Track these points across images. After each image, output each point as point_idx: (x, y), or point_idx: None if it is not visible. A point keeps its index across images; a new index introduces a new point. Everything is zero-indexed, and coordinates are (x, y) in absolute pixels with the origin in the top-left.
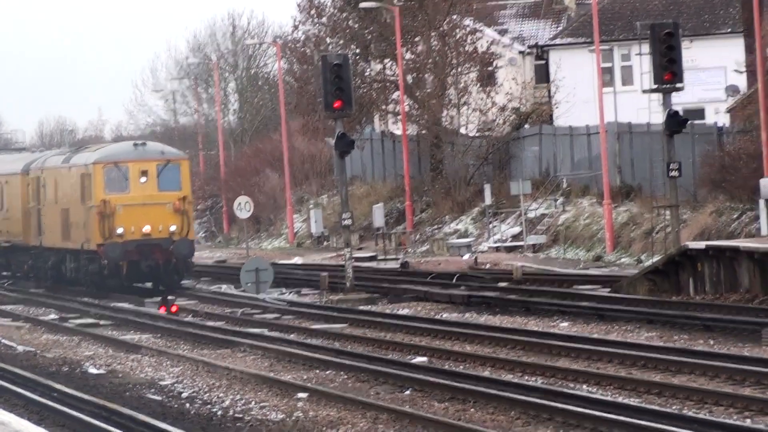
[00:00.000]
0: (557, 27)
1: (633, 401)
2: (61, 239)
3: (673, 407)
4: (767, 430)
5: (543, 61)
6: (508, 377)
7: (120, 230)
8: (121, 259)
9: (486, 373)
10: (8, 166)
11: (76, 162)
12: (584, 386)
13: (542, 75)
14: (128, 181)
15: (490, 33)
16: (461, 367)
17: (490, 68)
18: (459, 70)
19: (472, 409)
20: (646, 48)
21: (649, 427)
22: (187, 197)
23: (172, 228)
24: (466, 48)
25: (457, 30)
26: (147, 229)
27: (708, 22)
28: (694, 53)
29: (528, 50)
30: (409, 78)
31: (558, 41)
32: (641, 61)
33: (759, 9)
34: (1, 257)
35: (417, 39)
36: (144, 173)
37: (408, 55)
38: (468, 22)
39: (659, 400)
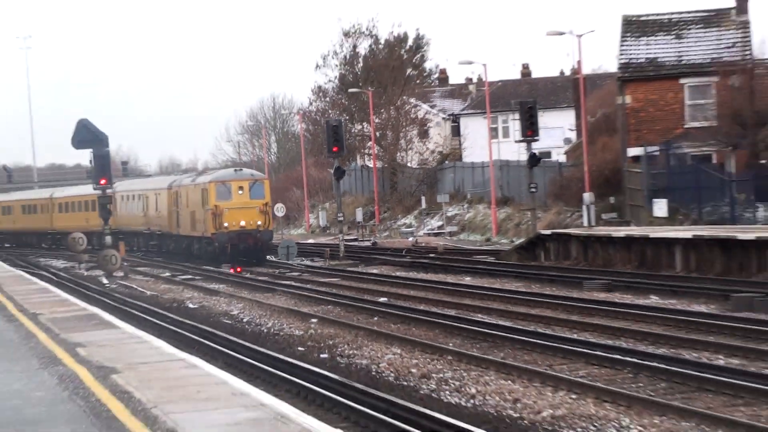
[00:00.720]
0: (465, 103)
1: (509, 324)
2: (190, 230)
3: (532, 327)
4: (576, 339)
5: (456, 124)
6: (434, 310)
7: (226, 224)
8: (227, 242)
9: (421, 307)
10: (160, 184)
11: (199, 181)
12: (479, 315)
13: (456, 132)
14: (231, 193)
15: (425, 107)
16: (407, 304)
17: (425, 128)
18: (407, 129)
19: (413, 328)
20: (517, 116)
21: (518, 338)
22: (268, 203)
23: (259, 223)
24: (411, 116)
25: (406, 105)
26: (243, 223)
27: (554, 100)
28: (546, 119)
29: (447, 117)
30: (378, 133)
31: (465, 112)
32: (514, 124)
33: (583, 93)
34: (156, 240)
35: (382, 111)
36: (241, 188)
37: (377, 120)
38: (412, 100)
39: (523, 323)
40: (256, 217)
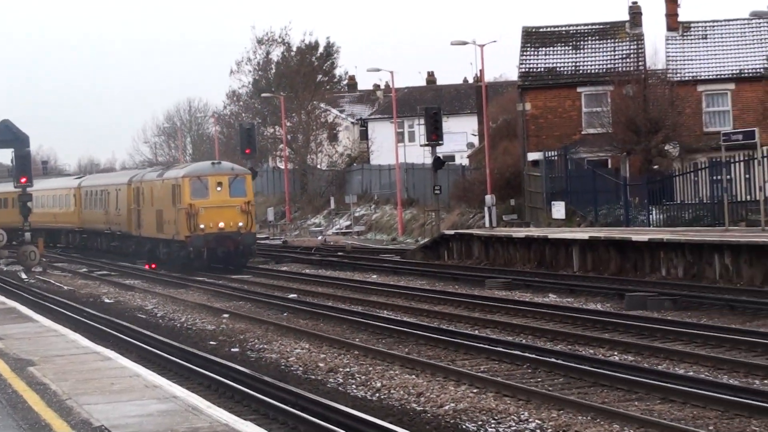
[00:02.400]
0: (373, 108)
1: (413, 320)
2: (156, 231)
3: (435, 324)
4: (478, 335)
5: (364, 128)
6: (342, 306)
7: (202, 226)
8: (203, 246)
9: (329, 304)
10: (120, 179)
11: (169, 176)
12: (385, 311)
13: (364, 136)
14: (208, 189)
15: (334, 111)
16: (316, 300)
17: (334, 131)
18: (317, 132)
19: (322, 324)
20: (422, 121)
21: (423, 334)
22: (250, 202)
23: (240, 224)
24: (321, 120)
25: (316, 110)
26: (222, 224)
27: (458, 106)
28: (450, 124)
29: (356, 121)
30: (289, 136)
31: (373, 116)
32: (420, 128)
33: (485, 100)
34: (117, 241)
35: (293, 115)
36: (219, 184)
37: (288, 124)
38: (322, 105)
39: (428, 320)
40: (236, 218)
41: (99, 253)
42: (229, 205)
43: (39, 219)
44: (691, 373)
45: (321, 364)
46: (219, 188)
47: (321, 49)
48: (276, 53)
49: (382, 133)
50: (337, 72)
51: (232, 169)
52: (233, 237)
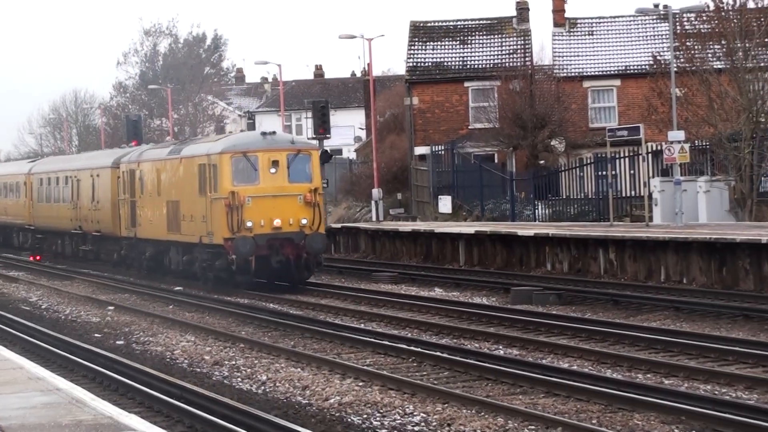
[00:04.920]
0: (261, 101)
1: (299, 313)
2: (167, 231)
3: (321, 317)
4: (363, 328)
5: (252, 121)
6: (228, 299)
7: (249, 224)
8: (250, 254)
9: (215, 296)
10: (98, 161)
11: (192, 153)
12: (271, 304)
13: (252, 128)
14: (258, 171)
15: (222, 104)
16: (201, 292)
17: (221, 124)
18: (204, 125)
19: (207, 317)
20: (310, 114)
21: (309, 328)
22: (318, 189)
23: (303, 221)
24: (209, 112)
25: (204, 102)
26: (278, 222)
27: (345, 100)
28: (337, 118)
29: (243, 114)
30: (176, 129)
31: (261, 109)
32: (307, 121)
33: (373, 93)
34: (92, 244)
35: (180, 107)
36: (275, 163)
37: (175, 116)
38: (210, 97)
39: (313, 313)
40: (299, 212)
41: (60, 259)
42: (288, 194)
43: None
44: (575, 367)
45: (206, 357)
46: (274, 169)
47: (209, 42)
48: (163, 45)
49: (270, 126)
50: (225, 64)
51: (291, 143)
52: (295, 240)
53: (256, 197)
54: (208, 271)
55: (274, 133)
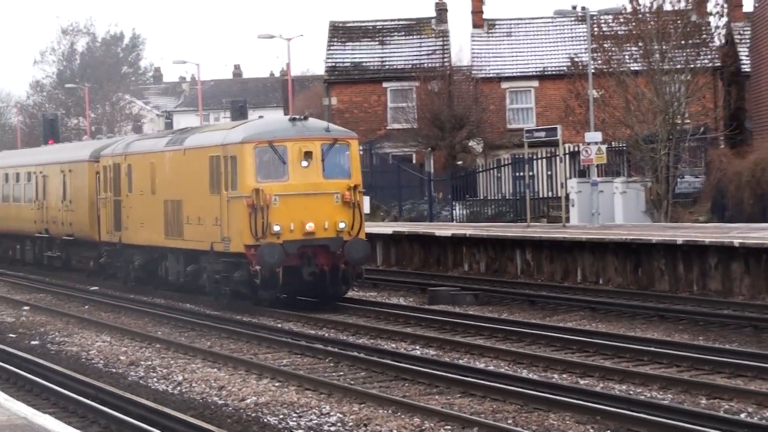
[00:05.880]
0: (179, 100)
1: (216, 313)
2: (164, 237)
3: (238, 317)
4: (280, 328)
5: (170, 120)
6: (144, 299)
7: (277, 228)
8: (278, 264)
9: (132, 296)
10: (71, 154)
11: (200, 142)
12: (188, 304)
13: (169, 128)
14: (287, 165)
15: (139, 103)
16: (117, 293)
17: (139, 123)
18: (122, 124)
19: (123, 317)
20: (228, 113)
21: (225, 328)
22: (359, 186)
23: (342, 225)
24: (126, 112)
25: (121, 101)
26: (310, 226)
27: (264, 99)
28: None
29: (161, 114)
30: (93, 128)
31: (179, 109)
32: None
33: (291, 93)
34: (61, 250)
35: (98, 106)
36: (307, 155)
37: (93, 115)
38: (127, 96)
39: (230, 313)
40: (335, 214)
41: (19, 266)
42: (323, 192)
43: None
44: (492, 367)
45: (122, 357)
46: (306, 162)
47: (126, 41)
48: (81, 44)
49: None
50: (143, 64)
51: (327, 130)
52: (331, 247)
53: (285, 196)
54: (222, 285)
55: (305, 118)
